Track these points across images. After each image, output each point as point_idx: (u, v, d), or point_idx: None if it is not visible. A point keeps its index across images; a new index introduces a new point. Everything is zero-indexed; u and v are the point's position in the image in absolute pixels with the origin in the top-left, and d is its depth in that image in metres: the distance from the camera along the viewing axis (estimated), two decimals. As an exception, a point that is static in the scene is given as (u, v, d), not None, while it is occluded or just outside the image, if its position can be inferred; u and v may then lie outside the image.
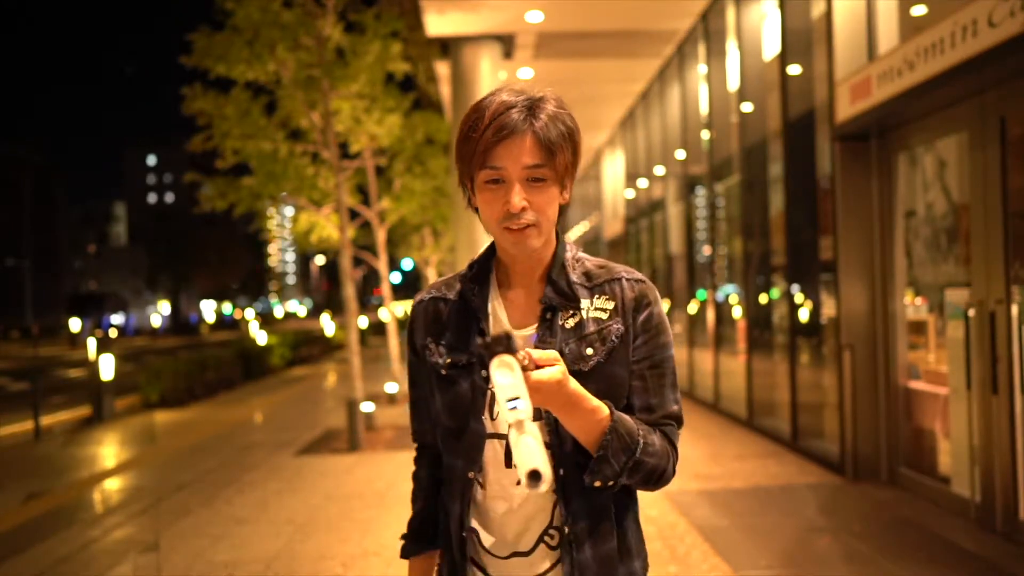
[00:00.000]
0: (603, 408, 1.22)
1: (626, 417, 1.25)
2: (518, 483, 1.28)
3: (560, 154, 1.24)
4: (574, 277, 1.33)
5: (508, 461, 1.29)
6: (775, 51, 7.27)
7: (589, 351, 1.28)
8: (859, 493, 5.39)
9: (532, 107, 1.24)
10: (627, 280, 1.33)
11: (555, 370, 1.13)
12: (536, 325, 1.31)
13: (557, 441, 1.27)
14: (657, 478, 1.28)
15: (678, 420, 1.34)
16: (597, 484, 1.24)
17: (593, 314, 1.30)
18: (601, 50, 10.51)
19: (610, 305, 1.31)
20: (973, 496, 4.62)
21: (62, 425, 10.04)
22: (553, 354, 1.15)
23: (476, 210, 1.31)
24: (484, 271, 1.37)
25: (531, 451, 0.98)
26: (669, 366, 1.34)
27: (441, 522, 1.42)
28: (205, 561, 4.42)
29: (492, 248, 1.37)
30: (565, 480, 1.27)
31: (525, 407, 1.01)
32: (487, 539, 1.32)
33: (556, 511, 1.29)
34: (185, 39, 7.89)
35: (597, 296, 1.32)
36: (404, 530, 1.51)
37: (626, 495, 1.36)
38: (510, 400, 1.02)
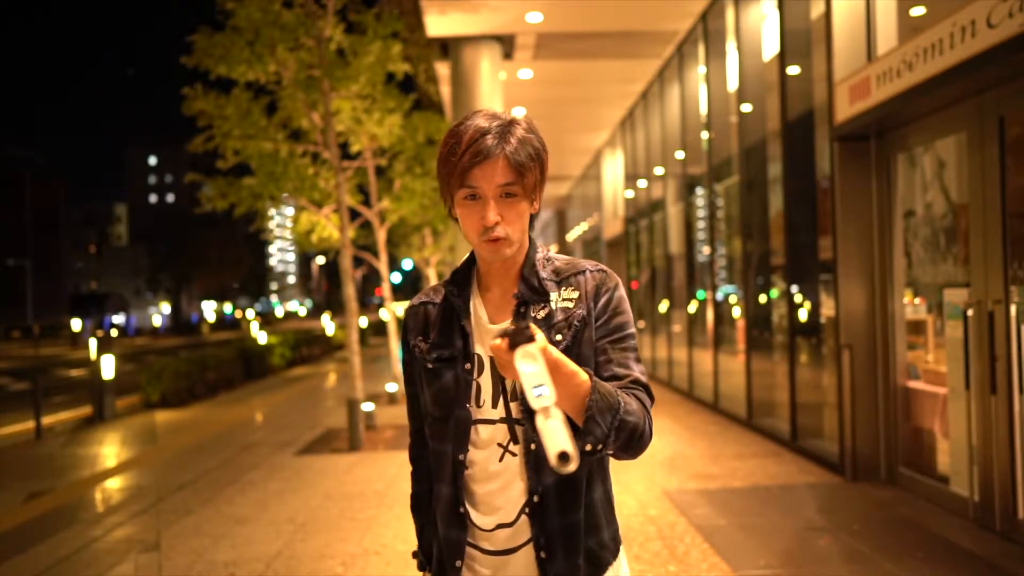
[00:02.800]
0: (582, 373, 1.30)
1: (602, 381, 1.34)
2: (500, 459, 1.41)
3: (529, 174, 1.39)
4: (544, 274, 1.47)
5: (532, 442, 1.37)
6: (774, 52, 7.28)
7: (558, 337, 1.40)
8: (858, 493, 5.40)
9: (504, 132, 1.38)
10: (590, 271, 1.47)
11: (538, 337, 1.21)
12: (511, 319, 1.44)
13: (530, 416, 1.36)
14: (638, 438, 1.34)
15: (645, 388, 1.41)
16: (588, 448, 1.30)
17: (561, 304, 1.44)
18: (601, 50, 10.52)
19: (575, 295, 1.44)
20: (972, 495, 4.63)
21: (63, 425, 10.06)
22: (533, 326, 1.23)
23: (456, 219, 1.45)
24: (466, 276, 1.52)
25: (560, 434, 1.04)
26: (630, 341, 1.45)
27: (430, 505, 1.54)
28: (206, 560, 4.43)
29: (473, 256, 1.53)
30: (538, 453, 1.39)
31: (550, 394, 1.08)
32: (475, 515, 1.44)
33: (531, 484, 1.41)
34: (186, 39, 7.90)
35: (564, 288, 1.46)
36: (404, 530, 1.59)
37: (598, 470, 1.47)
38: (536, 387, 1.09)
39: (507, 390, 1.43)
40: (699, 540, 4.46)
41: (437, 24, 9.33)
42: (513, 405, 1.42)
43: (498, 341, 1.19)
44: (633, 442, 1.34)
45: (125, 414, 10.78)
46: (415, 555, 1.64)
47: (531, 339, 1.14)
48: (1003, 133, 4.39)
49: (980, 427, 4.51)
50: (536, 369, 1.10)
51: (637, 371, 1.42)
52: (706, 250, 10.02)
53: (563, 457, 1.02)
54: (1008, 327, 4.29)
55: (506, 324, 1.43)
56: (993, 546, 4.25)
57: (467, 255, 1.55)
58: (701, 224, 10.39)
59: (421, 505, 1.61)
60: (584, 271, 1.47)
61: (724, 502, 5.25)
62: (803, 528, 4.66)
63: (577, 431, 1.29)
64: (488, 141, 1.36)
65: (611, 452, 1.34)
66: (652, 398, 1.42)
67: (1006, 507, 4.34)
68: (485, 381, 1.44)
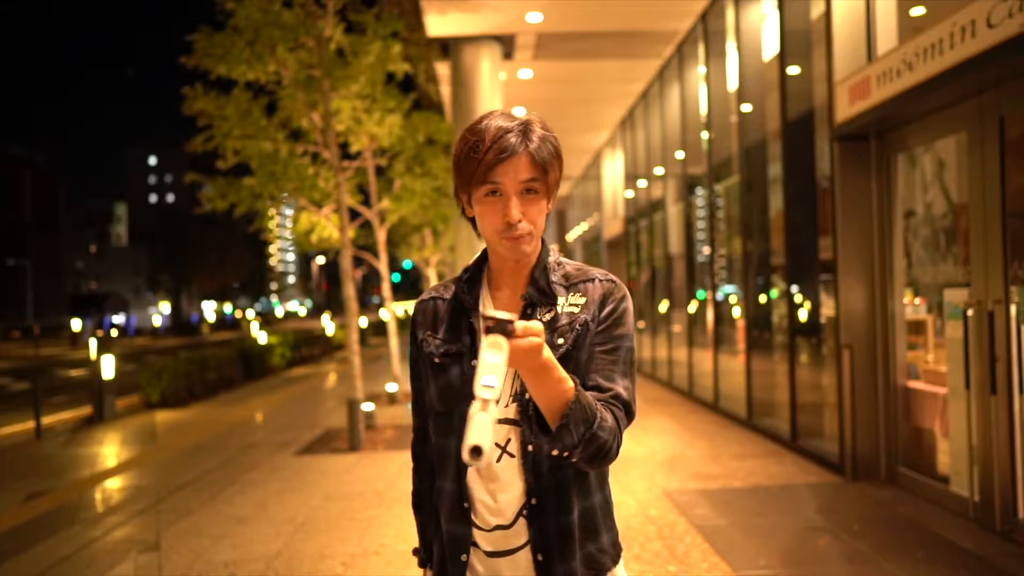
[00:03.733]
0: (569, 380, 1.31)
1: (586, 392, 1.35)
2: (499, 460, 1.42)
3: (551, 171, 1.42)
4: (554, 278, 1.49)
5: (539, 426, 1.34)
6: (774, 52, 7.28)
7: (560, 340, 1.42)
8: (858, 493, 5.41)
9: (525, 130, 1.41)
10: (599, 280, 1.49)
11: (534, 340, 1.21)
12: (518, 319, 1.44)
13: (527, 419, 1.36)
14: (604, 455, 1.35)
15: (625, 405, 1.41)
16: (555, 452, 1.32)
17: (567, 309, 1.46)
18: (601, 50, 10.52)
19: (582, 301, 1.46)
20: (972, 495, 4.63)
21: (63, 425, 10.05)
22: (538, 326, 1.23)
23: (471, 220, 1.48)
24: (477, 274, 1.53)
25: (484, 429, 1.05)
26: (622, 354, 1.45)
27: (431, 501, 1.56)
28: (205, 560, 4.44)
29: (484, 254, 1.54)
30: (535, 456, 1.41)
31: (496, 390, 1.08)
32: (474, 515, 1.46)
33: (528, 486, 1.42)
34: (185, 39, 7.90)
35: (572, 293, 1.47)
36: (404, 529, 1.59)
37: (596, 475, 1.48)
38: (487, 377, 1.09)
39: (510, 392, 1.43)
40: (699, 540, 4.46)
41: (437, 24, 9.33)
42: (512, 407, 1.42)
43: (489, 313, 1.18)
44: (598, 457, 1.35)
45: (125, 414, 10.77)
46: (416, 552, 1.64)
47: (510, 333, 1.14)
48: (1003, 133, 4.39)
49: (980, 427, 4.52)
50: (497, 361, 1.11)
51: (620, 386, 1.42)
52: (706, 250, 10.02)
53: (476, 451, 1.03)
54: (1008, 327, 4.29)
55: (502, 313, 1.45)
56: (993, 546, 4.25)
57: (478, 253, 1.56)
58: (701, 224, 10.39)
59: (423, 502, 1.62)
60: (594, 279, 1.49)
61: (724, 502, 5.25)
62: (803, 528, 4.66)
63: (549, 434, 1.31)
64: (512, 139, 1.38)
65: (574, 460, 1.34)
66: (631, 416, 1.42)
67: (1006, 507, 4.34)
68: None
